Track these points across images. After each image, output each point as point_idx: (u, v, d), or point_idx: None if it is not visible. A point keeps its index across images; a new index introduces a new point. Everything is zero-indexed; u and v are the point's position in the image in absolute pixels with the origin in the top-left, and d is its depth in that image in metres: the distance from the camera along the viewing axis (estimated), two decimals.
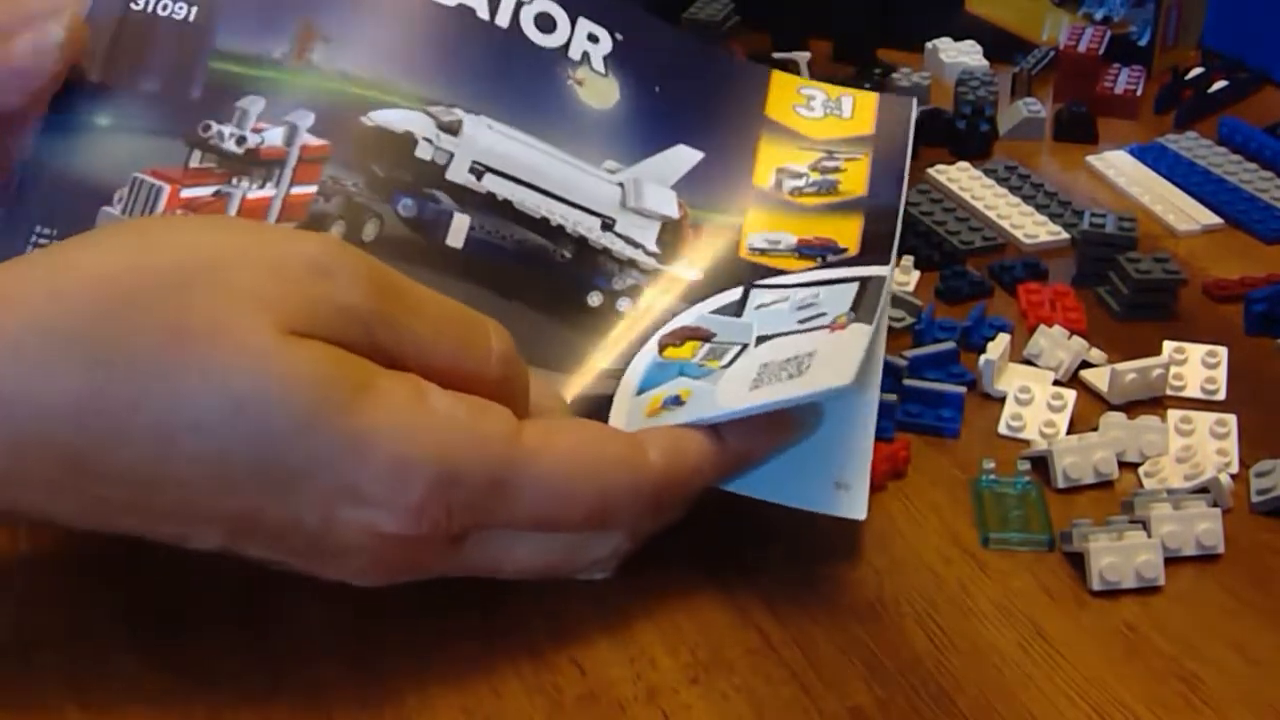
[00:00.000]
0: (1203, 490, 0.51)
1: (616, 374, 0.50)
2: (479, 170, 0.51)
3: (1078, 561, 0.48)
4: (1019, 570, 0.48)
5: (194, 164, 0.50)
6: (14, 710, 0.42)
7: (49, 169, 0.49)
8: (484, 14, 0.53)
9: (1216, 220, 0.72)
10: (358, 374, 0.40)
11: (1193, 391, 0.58)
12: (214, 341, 0.39)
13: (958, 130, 0.78)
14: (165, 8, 0.51)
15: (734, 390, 0.46)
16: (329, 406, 0.39)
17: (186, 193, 0.49)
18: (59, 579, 0.47)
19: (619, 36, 0.55)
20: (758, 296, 0.51)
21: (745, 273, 0.52)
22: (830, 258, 0.52)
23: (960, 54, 0.87)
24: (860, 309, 0.48)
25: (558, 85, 0.54)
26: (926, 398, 0.56)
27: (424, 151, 0.51)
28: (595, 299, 0.51)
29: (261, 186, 0.50)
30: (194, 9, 0.51)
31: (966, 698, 0.43)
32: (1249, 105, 0.84)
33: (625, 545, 0.45)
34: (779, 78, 0.58)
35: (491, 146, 0.52)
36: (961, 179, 0.74)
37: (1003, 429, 0.55)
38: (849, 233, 0.53)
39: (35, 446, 0.39)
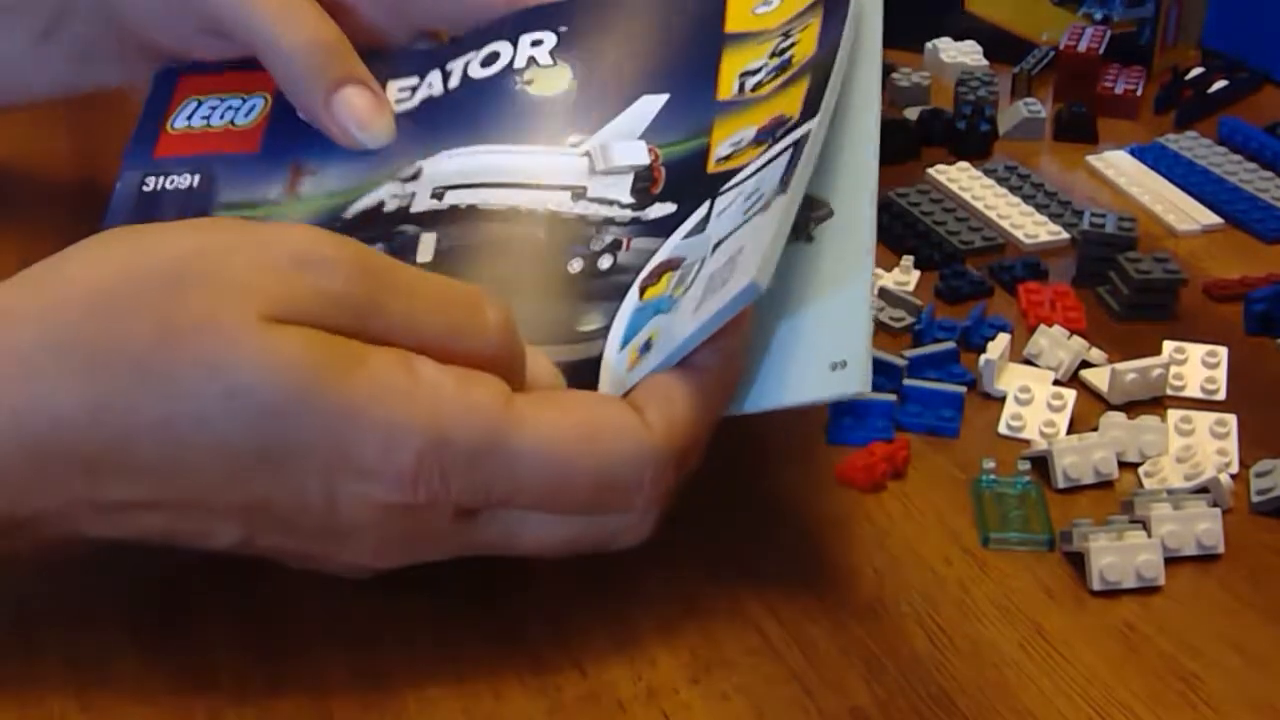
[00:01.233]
0: (1203, 490, 0.51)
1: (604, 332, 0.48)
2: (440, 193, 0.52)
3: (1078, 561, 0.48)
4: (1019, 570, 0.48)
5: None
6: (15, 710, 0.42)
7: None
8: (439, 91, 0.55)
9: (1216, 220, 0.71)
10: (345, 351, 0.41)
11: (1193, 391, 0.58)
12: (202, 336, 0.40)
13: (958, 130, 0.78)
14: (171, 181, 0.55)
15: (683, 319, 0.45)
16: (318, 382, 0.40)
17: None
18: (59, 579, 0.47)
19: (563, 29, 0.55)
20: (720, 204, 0.49)
21: (712, 186, 0.50)
22: (779, 133, 0.49)
23: (960, 54, 0.87)
24: (788, 178, 0.45)
25: (508, 96, 0.54)
26: (926, 398, 0.56)
27: (390, 205, 0.52)
28: (576, 265, 0.50)
29: None
30: (196, 177, 0.55)
31: (966, 698, 0.43)
32: (1249, 105, 0.84)
33: (651, 512, 0.44)
34: None
35: (449, 170, 0.53)
36: (961, 179, 0.74)
37: (1003, 429, 0.55)
38: (795, 100, 0.50)
39: (52, 454, 0.40)
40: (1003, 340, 0.58)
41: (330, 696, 0.43)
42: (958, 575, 0.48)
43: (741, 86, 0.53)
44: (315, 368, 0.40)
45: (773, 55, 0.52)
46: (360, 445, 0.40)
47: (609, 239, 0.50)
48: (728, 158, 0.51)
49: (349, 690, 0.43)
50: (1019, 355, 0.59)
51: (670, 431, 0.43)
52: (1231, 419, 0.55)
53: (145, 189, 0.55)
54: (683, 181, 0.51)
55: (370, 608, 0.45)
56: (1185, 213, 0.72)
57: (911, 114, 0.80)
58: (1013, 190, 0.73)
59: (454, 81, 0.56)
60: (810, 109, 0.48)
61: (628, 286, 0.49)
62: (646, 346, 0.46)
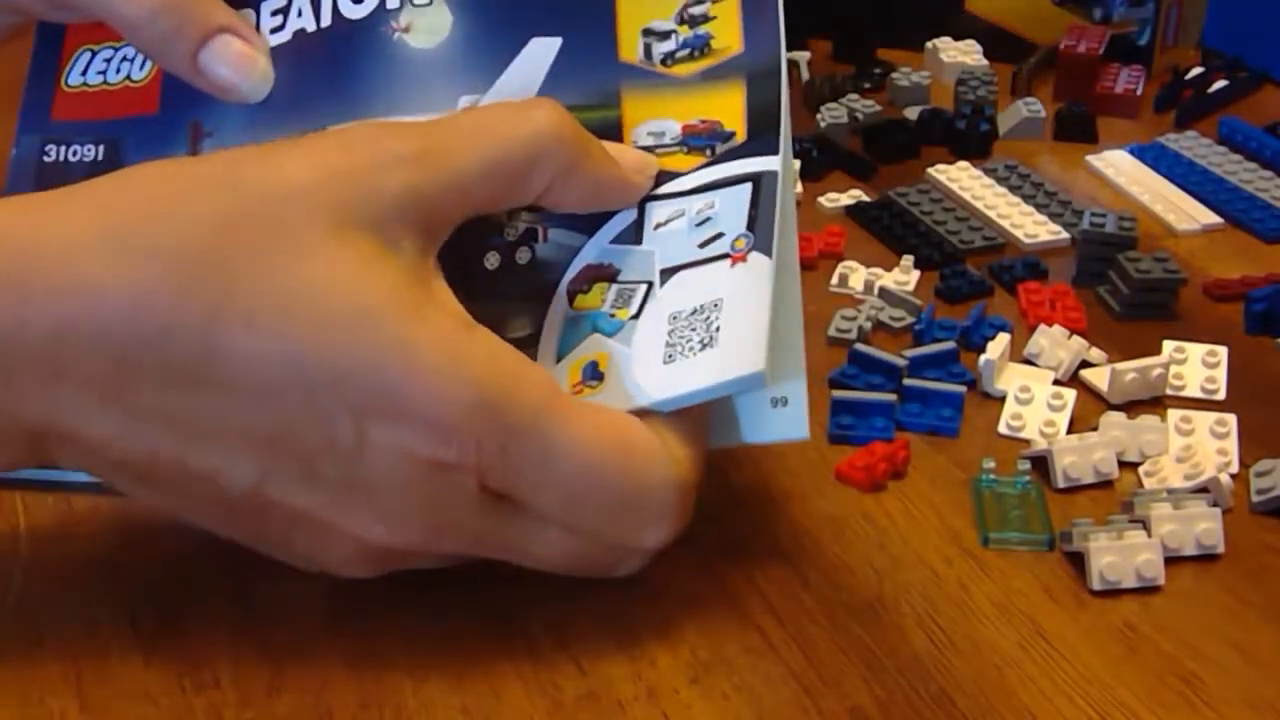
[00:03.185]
0: (1203, 490, 0.51)
1: (534, 339, 0.46)
2: None
3: (1078, 561, 0.48)
4: (1019, 570, 0.48)
5: None
6: (15, 710, 0.42)
7: None
8: (311, 25, 0.52)
9: (1216, 220, 0.72)
10: (415, 290, 0.41)
11: (1193, 391, 0.58)
12: (270, 234, 0.39)
13: (958, 130, 0.78)
14: (75, 153, 0.53)
15: (648, 363, 0.44)
16: (381, 311, 0.40)
17: None
18: (59, 578, 0.47)
19: None
20: (653, 213, 0.47)
21: None
22: (719, 147, 0.48)
23: (960, 54, 0.87)
24: (758, 224, 0.45)
25: (385, 47, 0.50)
26: (926, 398, 0.56)
27: None
28: (493, 260, 0.47)
29: None
30: (101, 148, 0.53)
31: (966, 698, 0.43)
32: (1249, 105, 0.84)
33: (658, 543, 0.44)
34: None
35: None
36: (961, 179, 0.74)
37: (1003, 429, 0.55)
38: (732, 109, 0.48)
39: (81, 339, 0.39)
40: (1003, 340, 0.58)
41: (329, 695, 0.43)
42: (958, 575, 0.48)
43: (648, 51, 0.49)
44: (382, 296, 0.39)
45: (682, 22, 0.49)
46: (409, 385, 0.39)
47: (523, 227, 0.48)
48: (650, 149, 0.48)
49: (348, 689, 0.43)
50: (1019, 355, 0.59)
51: (693, 467, 0.44)
52: (1231, 419, 0.55)
53: (47, 158, 0.53)
54: None
55: (370, 607, 0.45)
56: (1185, 212, 0.72)
57: (911, 114, 0.81)
58: (1013, 190, 0.73)
59: (325, 16, 0.51)
60: (759, 136, 0.47)
61: (552, 286, 0.47)
62: (594, 372, 0.45)
